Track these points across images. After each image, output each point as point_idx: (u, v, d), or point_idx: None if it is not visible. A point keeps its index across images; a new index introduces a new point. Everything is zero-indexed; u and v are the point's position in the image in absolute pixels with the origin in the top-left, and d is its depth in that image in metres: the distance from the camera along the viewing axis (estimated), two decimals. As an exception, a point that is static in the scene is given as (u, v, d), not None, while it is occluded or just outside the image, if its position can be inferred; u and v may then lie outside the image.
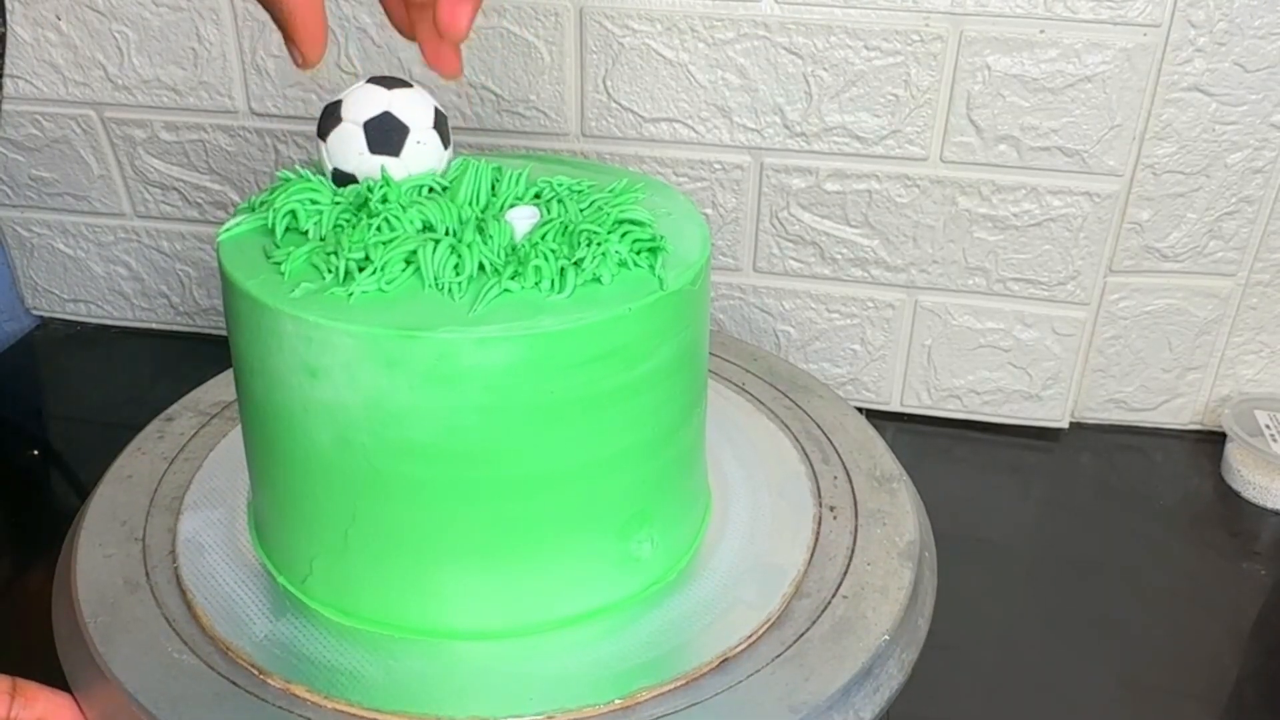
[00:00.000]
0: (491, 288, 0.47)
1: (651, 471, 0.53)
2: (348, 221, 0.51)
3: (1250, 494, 0.77)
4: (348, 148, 0.52)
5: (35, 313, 0.98)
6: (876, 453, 0.66)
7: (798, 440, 0.67)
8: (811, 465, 0.64)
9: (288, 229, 0.52)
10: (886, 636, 0.52)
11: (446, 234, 0.50)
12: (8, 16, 0.82)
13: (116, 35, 0.82)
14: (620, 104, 0.78)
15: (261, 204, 0.54)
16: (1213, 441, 0.83)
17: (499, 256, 0.49)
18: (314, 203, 0.52)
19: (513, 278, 0.48)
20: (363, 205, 0.51)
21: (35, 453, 0.82)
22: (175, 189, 0.89)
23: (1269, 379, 0.83)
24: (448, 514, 0.49)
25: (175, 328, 0.96)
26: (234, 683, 0.49)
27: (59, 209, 0.92)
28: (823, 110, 0.76)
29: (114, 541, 0.57)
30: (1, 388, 0.91)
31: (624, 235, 0.50)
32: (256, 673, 0.49)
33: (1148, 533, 0.75)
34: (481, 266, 0.48)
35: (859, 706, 0.49)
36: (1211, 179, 0.75)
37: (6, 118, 0.87)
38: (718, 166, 0.79)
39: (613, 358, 0.48)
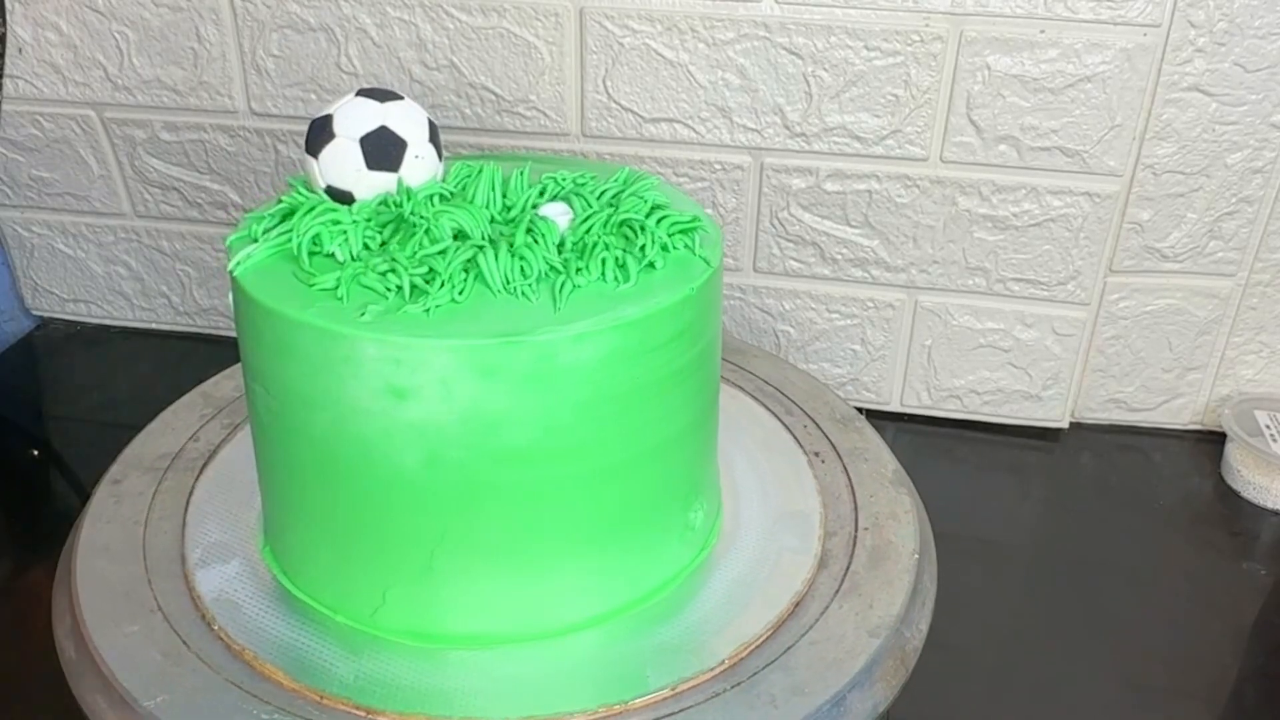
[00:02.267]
0: (564, 285, 0.48)
1: (702, 444, 0.56)
2: (377, 238, 0.50)
3: (1250, 494, 0.77)
4: (344, 164, 0.51)
5: (35, 313, 0.98)
6: (828, 399, 0.70)
7: (757, 398, 0.69)
8: (780, 419, 0.68)
9: (312, 253, 0.50)
10: (917, 554, 0.58)
11: (484, 239, 0.50)
12: (8, 16, 0.82)
13: (116, 35, 0.82)
14: (620, 104, 0.78)
15: (266, 231, 0.52)
16: (1213, 441, 0.83)
17: (554, 254, 0.50)
18: (336, 223, 0.50)
19: (578, 272, 0.49)
20: (391, 221, 0.51)
21: (35, 453, 0.82)
22: (175, 189, 0.89)
23: (1269, 379, 0.83)
24: (541, 514, 0.50)
25: (175, 328, 0.96)
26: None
27: (59, 209, 0.92)
28: (823, 110, 0.76)
29: (129, 617, 0.53)
30: (1, 388, 0.91)
31: (661, 220, 0.52)
32: (365, 714, 0.48)
33: (1148, 533, 0.75)
34: (550, 267, 0.49)
35: (916, 621, 0.55)
36: (1211, 179, 0.75)
37: (6, 118, 0.87)
38: (718, 166, 0.79)
39: (682, 337, 0.50)
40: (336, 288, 0.48)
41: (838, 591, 0.55)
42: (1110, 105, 0.72)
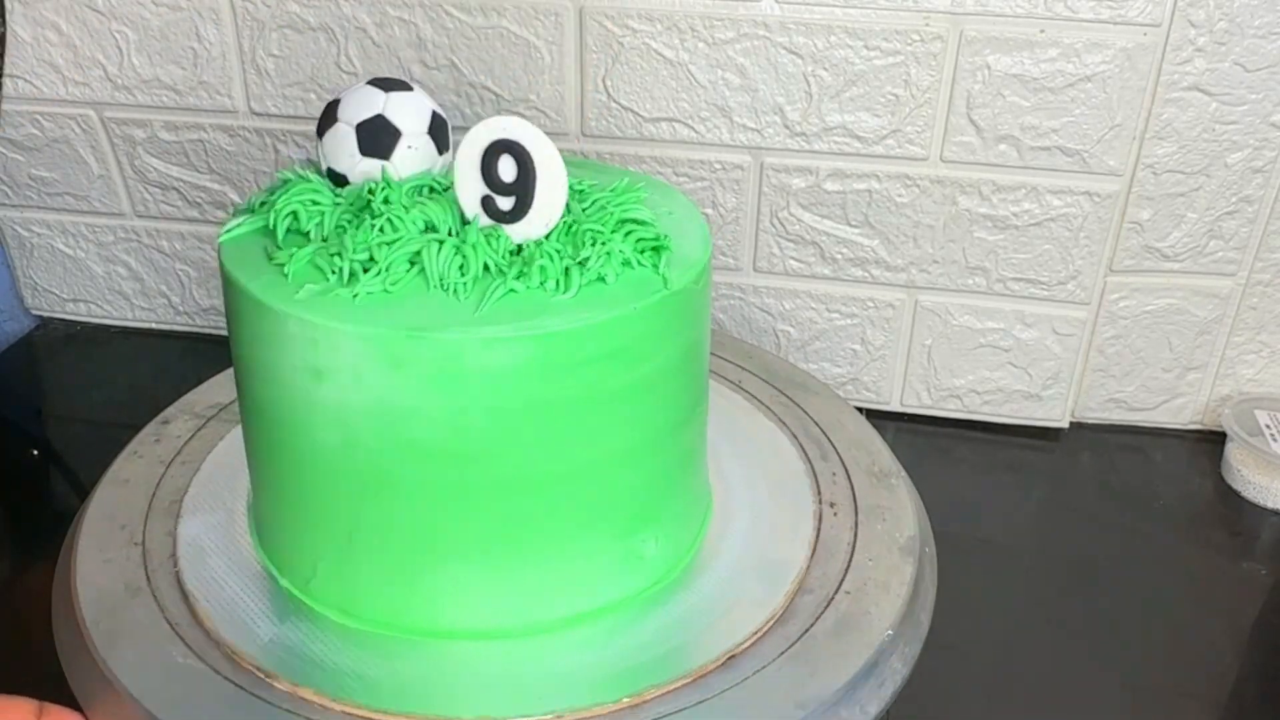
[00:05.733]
0: (497, 288, 0.47)
1: (655, 470, 0.53)
2: (350, 222, 0.51)
3: (1250, 494, 0.77)
4: (340, 149, 0.52)
5: (35, 313, 0.98)
6: (875, 449, 0.66)
7: (796, 438, 0.67)
8: (810, 463, 0.65)
9: (289, 230, 0.52)
10: (890, 632, 0.52)
11: (450, 234, 0.50)
12: (7, 16, 0.82)
13: (116, 35, 0.82)
14: (620, 104, 0.78)
15: (261, 205, 0.53)
16: (1213, 441, 0.83)
17: (503, 257, 0.49)
18: (315, 203, 0.52)
19: (518, 278, 0.48)
20: (365, 206, 0.51)
21: (35, 453, 0.82)
22: (175, 189, 0.89)
23: (1269, 379, 0.83)
24: (452, 514, 0.49)
25: (175, 328, 0.96)
26: (240, 686, 0.49)
27: (59, 209, 0.92)
28: (823, 110, 0.76)
29: (113, 546, 0.57)
30: (1, 388, 0.91)
31: (628, 234, 0.51)
32: (263, 676, 0.49)
33: (1148, 533, 0.75)
34: (486, 267, 0.48)
35: (864, 702, 0.50)
36: (1211, 179, 0.75)
37: (6, 118, 0.87)
38: (718, 166, 0.79)
39: (617, 357, 0.48)
40: (285, 264, 0.49)
41: (783, 654, 0.51)
42: (1110, 105, 0.72)
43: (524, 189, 0.49)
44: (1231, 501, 0.78)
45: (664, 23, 0.75)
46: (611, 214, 0.52)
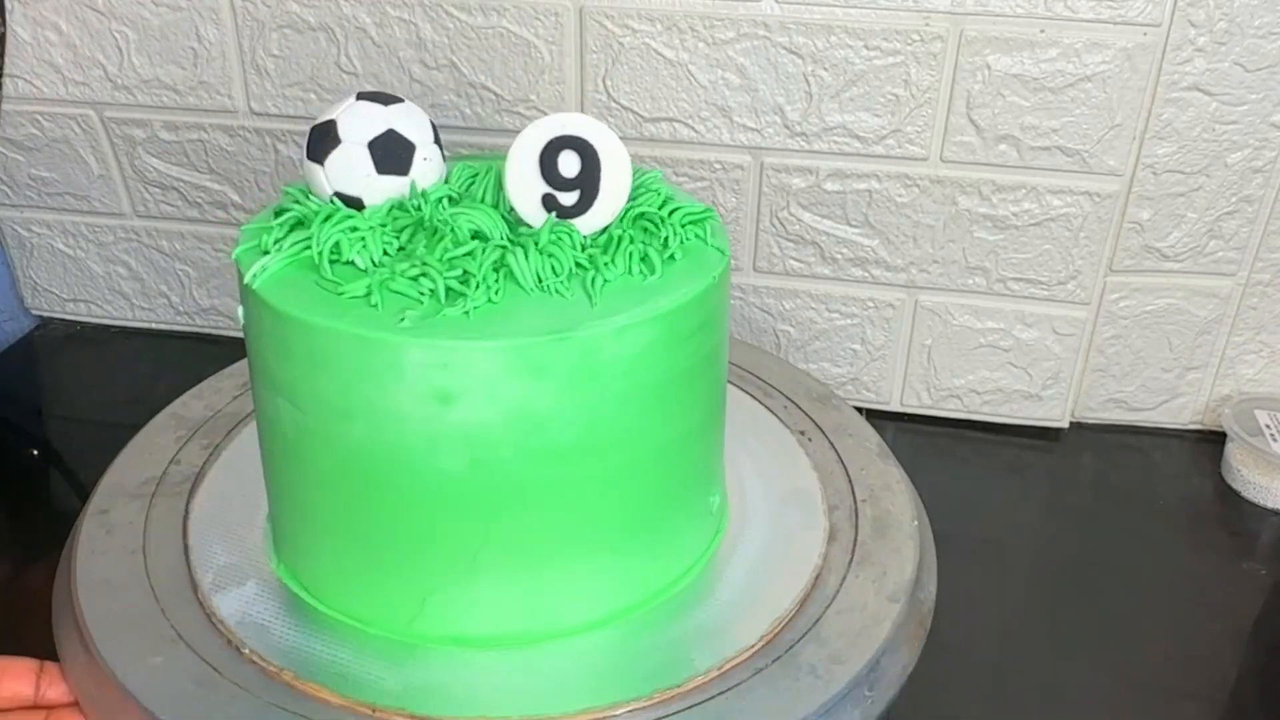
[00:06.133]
0: (595, 280, 0.49)
1: (719, 431, 0.58)
2: (394, 243, 0.50)
3: (1250, 494, 0.77)
4: (352, 170, 0.50)
5: (35, 313, 0.98)
6: (801, 379, 0.73)
7: (732, 382, 0.70)
8: (760, 400, 0.71)
9: (332, 261, 0.49)
10: (915, 521, 0.60)
11: (504, 239, 0.50)
12: (7, 16, 0.82)
13: (116, 35, 0.82)
14: (620, 104, 0.78)
15: (277, 241, 0.50)
16: (1213, 441, 0.83)
17: (581, 251, 0.50)
18: (354, 230, 0.50)
19: (606, 267, 0.49)
20: (409, 225, 0.51)
21: (35, 453, 0.82)
22: (175, 189, 0.89)
23: (1269, 379, 0.83)
24: (580, 508, 0.51)
25: (175, 327, 0.96)
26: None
27: (59, 209, 0.92)
28: (823, 110, 0.76)
29: (151, 648, 0.51)
30: (1, 388, 0.91)
31: (674, 212, 0.53)
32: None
33: (1148, 533, 0.75)
34: (575, 264, 0.50)
35: (926, 583, 0.58)
36: (1211, 179, 0.75)
37: (6, 118, 0.87)
38: (718, 166, 0.79)
39: (707, 326, 0.51)
40: (368, 294, 0.47)
41: (851, 562, 0.58)
42: (1110, 105, 0.72)
43: (590, 182, 0.50)
44: (1231, 501, 0.78)
45: (664, 23, 0.75)
46: (657, 194, 0.54)
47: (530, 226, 0.51)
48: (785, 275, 0.83)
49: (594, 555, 0.52)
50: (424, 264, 0.48)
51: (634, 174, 0.55)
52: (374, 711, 0.48)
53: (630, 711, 0.49)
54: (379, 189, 0.51)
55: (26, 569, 0.69)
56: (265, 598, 0.54)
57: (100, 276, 0.94)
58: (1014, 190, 0.76)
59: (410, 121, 0.52)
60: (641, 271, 0.50)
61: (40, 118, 0.87)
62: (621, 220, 0.52)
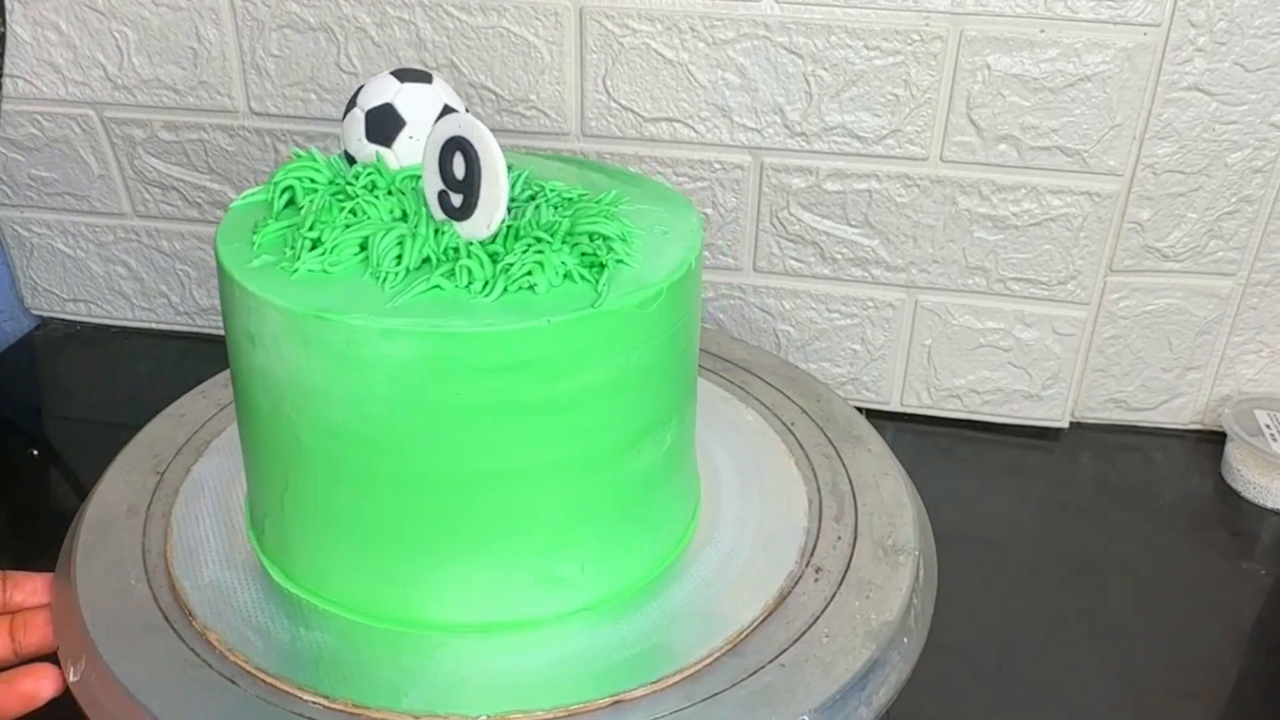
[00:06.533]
0: (421, 282, 0.48)
1: (581, 492, 0.51)
2: (330, 203, 0.52)
3: (1250, 494, 0.77)
4: (352, 132, 0.55)
5: (35, 313, 0.98)
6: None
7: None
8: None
9: (287, 204, 0.54)
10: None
11: (415, 226, 0.50)
12: (7, 16, 0.82)
13: (116, 35, 0.82)
14: (620, 104, 0.78)
15: (271, 182, 0.56)
16: (1213, 441, 0.83)
17: (444, 252, 0.49)
18: (311, 181, 0.54)
19: (447, 275, 0.48)
20: (342, 190, 0.53)
21: (35, 453, 0.82)
22: (175, 189, 0.89)
23: (1269, 379, 0.83)
24: (362, 497, 0.50)
25: (175, 327, 0.96)
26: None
27: (59, 209, 0.92)
28: (823, 110, 0.76)
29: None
30: (1, 388, 0.91)
31: (574, 246, 0.49)
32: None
33: (1148, 533, 0.75)
34: (426, 260, 0.49)
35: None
36: (1211, 179, 0.75)
37: (6, 118, 0.87)
38: (718, 166, 0.79)
39: (527, 369, 0.47)
40: (255, 232, 0.52)
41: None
42: (1110, 105, 0.72)
43: (470, 187, 0.49)
44: (1231, 501, 0.78)
45: (664, 23, 0.75)
46: (572, 223, 0.50)
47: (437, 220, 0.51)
48: (785, 275, 0.83)
49: (380, 549, 0.51)
50: (304, 222, 0.51)
51: (610, 195, 0.54)
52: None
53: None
54: (366, 154, 0.55)
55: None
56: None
57: (100, 276, 0.94)
58: (1014, 190, 0.76)
59: (414, 101, 0.54)
60: (485, 289, 0.47)
61: (40, 118, 0.87)
62: (509, 236, 0.50)
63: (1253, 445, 0.76)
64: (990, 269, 0.80)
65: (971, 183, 0.77)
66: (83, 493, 0.69)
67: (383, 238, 0.49)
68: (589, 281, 0.48)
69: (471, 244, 0.49)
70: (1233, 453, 0.79)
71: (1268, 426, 0.79)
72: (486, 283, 0.47)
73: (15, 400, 0.90)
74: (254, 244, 0.51)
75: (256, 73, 0.82)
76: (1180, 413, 0.85)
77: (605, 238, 0.50)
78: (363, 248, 0.50)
